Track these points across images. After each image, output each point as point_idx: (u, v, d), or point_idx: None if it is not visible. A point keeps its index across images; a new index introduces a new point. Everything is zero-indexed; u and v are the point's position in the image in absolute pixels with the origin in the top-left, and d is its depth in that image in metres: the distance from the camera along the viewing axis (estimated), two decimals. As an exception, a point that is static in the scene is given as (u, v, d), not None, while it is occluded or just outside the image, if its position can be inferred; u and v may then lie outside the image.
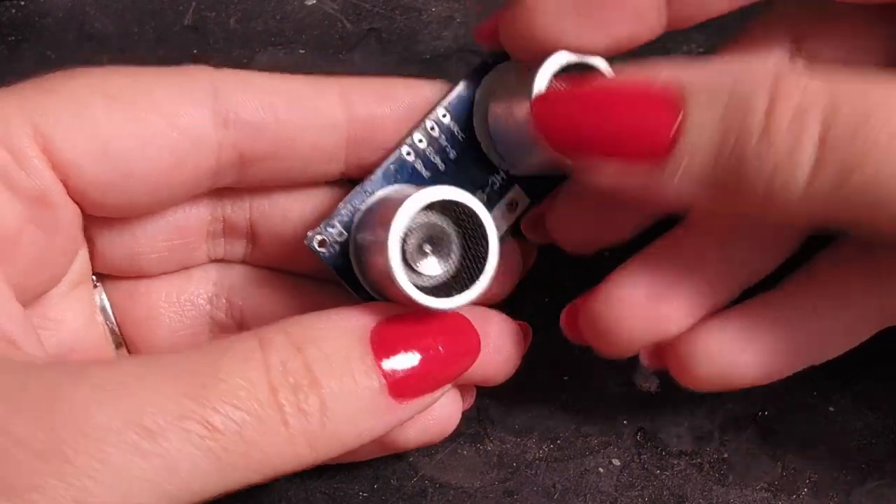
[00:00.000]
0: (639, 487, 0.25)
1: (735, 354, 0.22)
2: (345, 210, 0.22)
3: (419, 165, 0.23)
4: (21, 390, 0.17)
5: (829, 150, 0.18)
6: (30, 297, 0.22)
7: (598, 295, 0.22)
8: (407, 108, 0.23)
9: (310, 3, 0.29)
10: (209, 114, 0.21)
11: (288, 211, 0.24)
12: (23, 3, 0.30)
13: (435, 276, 0.21)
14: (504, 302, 0.27)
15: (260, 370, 0.18)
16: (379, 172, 0.22)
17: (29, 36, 0.29)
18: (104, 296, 0.24)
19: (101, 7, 0.30)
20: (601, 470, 0.26)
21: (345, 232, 0.22)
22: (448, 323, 0.21)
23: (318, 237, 0.22)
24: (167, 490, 0.17)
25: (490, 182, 0.24)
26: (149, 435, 0.16)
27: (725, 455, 0.26)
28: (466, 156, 0.23)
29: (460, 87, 0.23)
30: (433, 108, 0.23)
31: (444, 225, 0.21)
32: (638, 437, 0.26)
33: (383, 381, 0.19)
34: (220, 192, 0.24)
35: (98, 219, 0.22)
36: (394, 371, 0.20)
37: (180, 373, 0.17)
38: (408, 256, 0.20)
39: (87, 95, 0.21)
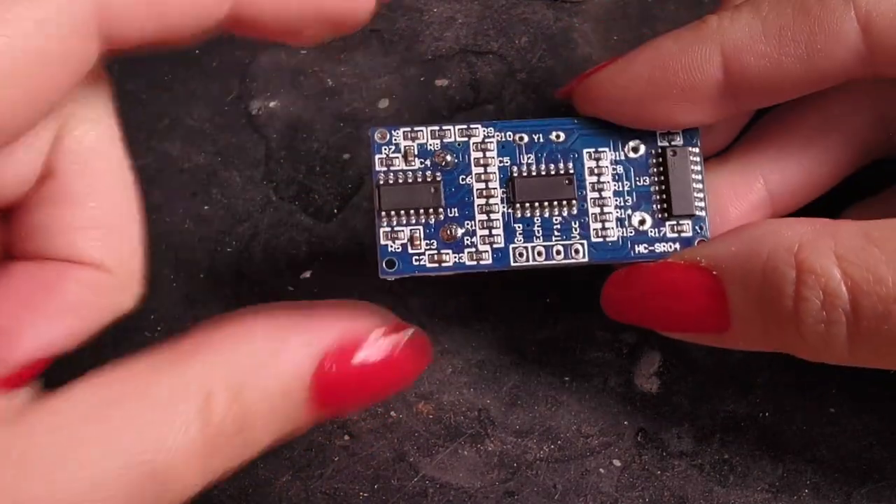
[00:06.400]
0: (640, 488, 0.25)
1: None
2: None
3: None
4: None
5: (859, 345, 0.19)
6: None
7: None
8: None
9: (311, 4, 0.29)
10: None
11: None
12: (25, 2, 0.30)
13: None
14: (508, 300, 0.27)
15: (197, 441, 0.18)
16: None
17: (31, 36, 0.29)
18: None
19: (102, 7, 0.30)
20: (602, 471, 0.26)
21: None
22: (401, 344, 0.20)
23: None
24: None
25: None
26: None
27: (726, 456, 0.26)
28: None
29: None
30: None
31: None
32: (639, 438, 0.26)
33: (318, 409, 0.19)
34: None
35: None
36: (332, 402, 0.19)
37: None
38: None
39: None
